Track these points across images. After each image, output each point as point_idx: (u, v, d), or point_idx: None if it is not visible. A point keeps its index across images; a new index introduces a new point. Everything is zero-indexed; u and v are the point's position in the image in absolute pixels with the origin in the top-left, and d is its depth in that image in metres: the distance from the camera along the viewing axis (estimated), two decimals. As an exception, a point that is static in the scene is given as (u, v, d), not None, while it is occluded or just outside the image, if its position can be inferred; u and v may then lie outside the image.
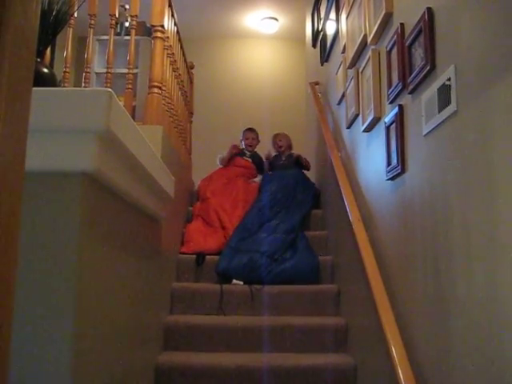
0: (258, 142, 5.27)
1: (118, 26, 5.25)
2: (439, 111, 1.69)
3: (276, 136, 5.26)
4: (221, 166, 5.01)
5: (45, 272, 1.39)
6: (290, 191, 4.47)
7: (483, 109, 1.41)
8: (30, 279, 1.37)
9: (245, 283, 3.59)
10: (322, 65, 4.69)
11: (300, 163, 4.96)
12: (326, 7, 4.34)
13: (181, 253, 3.89)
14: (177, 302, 3.44)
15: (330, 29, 4.15)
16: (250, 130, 5.28)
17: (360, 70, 2.85)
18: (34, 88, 0.69)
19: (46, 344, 1.36)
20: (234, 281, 3.62)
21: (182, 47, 4.07)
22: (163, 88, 3.19)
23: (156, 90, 3.07)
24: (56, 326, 1.37)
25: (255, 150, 5.21)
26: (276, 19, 7.05)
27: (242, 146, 5.25)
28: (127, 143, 1.61)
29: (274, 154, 5.18)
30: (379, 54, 2.52)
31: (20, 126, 0.59)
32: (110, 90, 1.47)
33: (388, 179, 2.28)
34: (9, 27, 0.51)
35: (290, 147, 5.19)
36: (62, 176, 1.43)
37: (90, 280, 1.50)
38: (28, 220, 1.38)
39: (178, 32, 3.80)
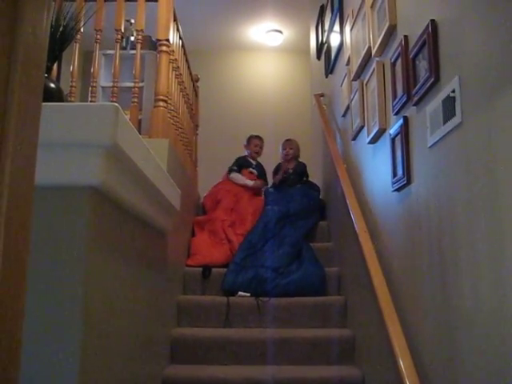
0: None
1: (124, 40, 5.29)
2: (444, 123, 1.70)
3: (287, 142, 5.19)
4: (223, 181, 5.01)
5: (52, 284, 1.39)
6: (295, 206, 4.47)
7: (488, 120, 1.42)
8: (38, 292, 1.38)
9: (251, 296, 3.58)
10: (326, 77, 4.71)
11: (305, 173, 5.02)
12: (330, 19, 4.36)
13: (187, 265, 3.89)
14: (183, 314, 3.43)
15: (335, 41, 4.17)
16: (259, 137, 5.25)
17: (365, 82, 2.86)
18: (42, 104, 0.70)
19: (53, 357, 1.36)
20: (240, 293, 3.61)
21: (187, 60, 4.10)
22: (169, 101, 3.21)
23: (162, 103, 3.09)
24: (63, 339, 1.38)
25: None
26: (281, 32, 7.09)
27: (246, 153, 5.25)
28: (133, 157, 1.62)
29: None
30: (384, 66, 2.54)
31: (30, 143, 0.60)
32: (116, 104, 1.48)
33: (394, 190, 2.28)
34: (19, 46, 0.52)
35: (296, 157, 5.18)
36: (69, 190, 1.44)
37: (96, 292, 1.51)
38: (35, 234, 1.39)
39: (183, 45, 3.83)
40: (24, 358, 1.31)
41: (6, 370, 0.59)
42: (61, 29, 1.92)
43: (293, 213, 4.40)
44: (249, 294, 3.59)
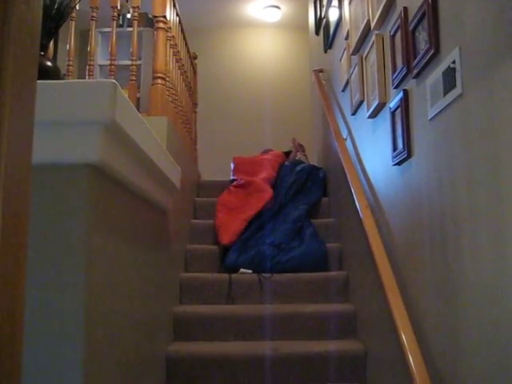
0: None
1: (120, 17, 5.25)
2: (444, 95, 1.69)
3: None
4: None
5: (53, 264, 1.39)
6: (301, 183, 4.50)
7: (489, 90, 1.41)
8: (39, 271, 1.38)
9: (253, 273, 3.59)
10: (325, 52, 4.67)
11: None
12: (329, -7, 4.31)
13: (224, 245, 3.85)
14: (186, 292, 3.45)
15: (333, 15, 4.13)
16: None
17: (364, 56, 2.84)
18: (38, 81, 0.69)
19: (57, 334, 1.37)
20: (242, 270, 3.62)
21: (184, 38, 4.06)
22: (167, 79, 3.18)
23: (160, 80, 3.06)
24: (67, 317, 1.38)
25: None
26: (278, 7, 7.01)
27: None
28: (132, 134, 1.61)
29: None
30: (383, 39, 2.51)
31: (26, 116, 0.59)
32: (114, 81, 1.46)
33: (394, 164, 2.27)
34: (12, 17, 0.51)
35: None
36: (67, 168, 1.44)
37: (98, 271, 1.51)
38: (35, 213, 1.39)
39: (180, 22, 3.79)
40: (27, 341, 1.32)
41: (8, 347, 0.58)
42: (56, 6, 1.90)
43: (298, 191, 4.44)
44: (250, 271, 3.60)
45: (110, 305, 1.64)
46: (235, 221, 4.02)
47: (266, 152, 5.33)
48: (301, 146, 5.40)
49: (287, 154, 5.26)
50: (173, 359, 2.84)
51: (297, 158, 5.14)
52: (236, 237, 3.87)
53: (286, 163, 4.98)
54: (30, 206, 0.65)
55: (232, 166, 4.94)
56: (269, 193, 4.29)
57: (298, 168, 4.71)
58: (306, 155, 5.32)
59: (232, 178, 4.82)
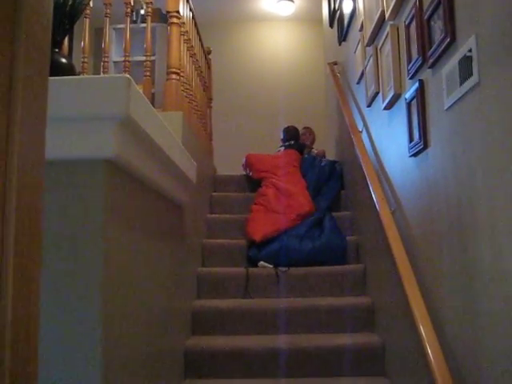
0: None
1: (134, 13, 5.26)
2: (461, 84, 1.66)
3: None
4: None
5: (71, 258, 1.40)
6: (323, 181, 4.51)
7: (506, 78, 1.38)
8: (57, 266, 1.39)
9: (274, 266, 3.58)
10: (339, 44, 4.64)
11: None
12: (342, -15, 4.28)
13: (256, 241, 3.83)
14: (203, 286, 3.46)
15: (347, 7, 4.10)
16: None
17: (379, 47, 2.81)
18: (54, 78, 0.69)
19: (76, 329, 1.38)
20: (261, 262, 3.61)
21: (198, 33, 4.06)
22: (181, 74, 3.19)
23: (174, 76, 3.07)
24: (85, 312, 1.39)
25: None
26: (292, 0, 6.98)
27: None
28: (147, 129, 1.61)
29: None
30: (398, 29, 2.49)
31: (39, 108, 0.59)
32: (128, 76, 1.47)
33: (411, 156, 2.26)
34: (23, 8, 0.51)
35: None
36: (83, 163, 1.44)
37: (115, 265, 1.52)
38: (52, 208, 1.40)
39: (193, 17, 3.79)
40: (45, 337, 1.34)
41: (24, 343, 0.59)
42: (70, 2, 1.90)
43: (321, 186, 4.47)
44: (271, 266, 3.58)
45: (128, 299, 1.65)
46: (269, 227, 3.96)
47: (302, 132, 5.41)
48: (304, 132, 5.42)
49: (300, 147, 5.19)
50: (191, 353, 2.85)
51: (312, 155, 5.12)
52: (266, 239, 3.85)
53: (306, 156, 4.96)
54: (42, 200, 0.65)
55: (244, 161, 4.92)
56: (303, 215, 4.21)
57: (321, 164, 4.70)
58: (314, 148, 5.33)
59: (248, 173, 4.83)
